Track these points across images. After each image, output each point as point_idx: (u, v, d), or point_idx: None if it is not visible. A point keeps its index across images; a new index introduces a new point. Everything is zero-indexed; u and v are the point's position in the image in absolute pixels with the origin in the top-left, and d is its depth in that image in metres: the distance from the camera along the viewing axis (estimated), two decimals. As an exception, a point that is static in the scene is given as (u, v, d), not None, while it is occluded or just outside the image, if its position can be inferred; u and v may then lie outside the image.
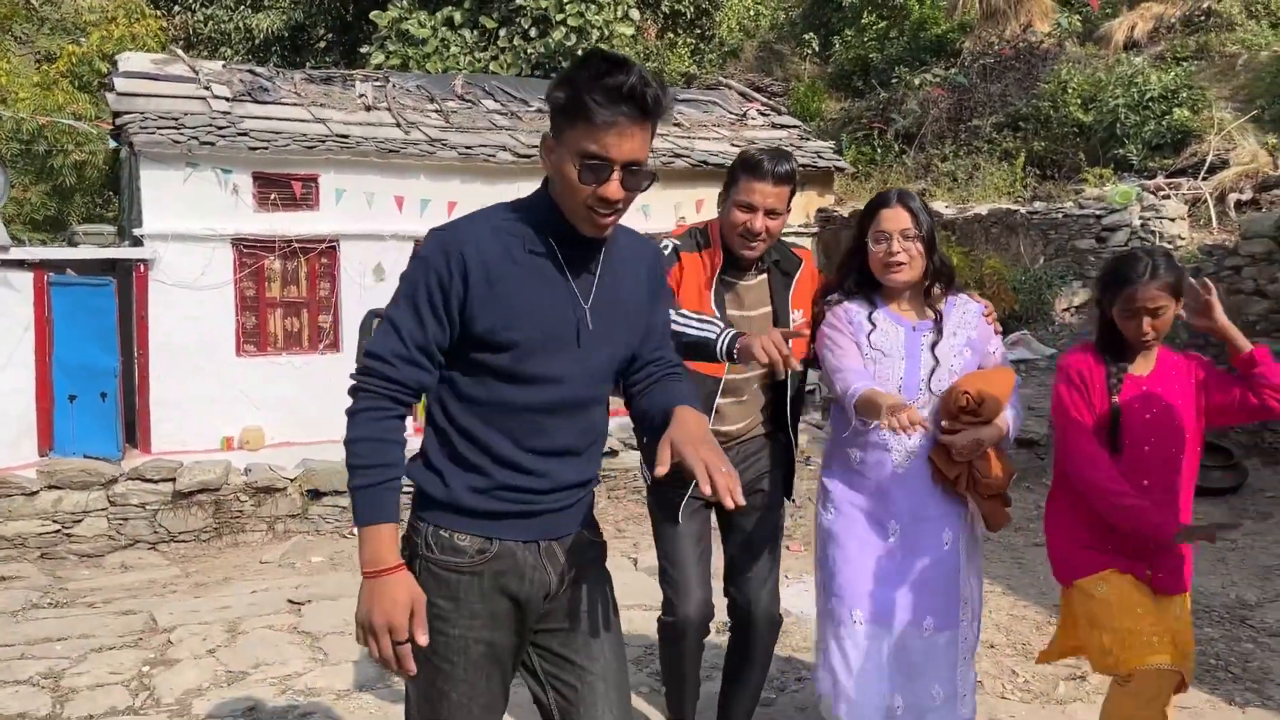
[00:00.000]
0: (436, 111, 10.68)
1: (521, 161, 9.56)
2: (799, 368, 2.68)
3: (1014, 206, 11.28)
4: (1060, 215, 10.46)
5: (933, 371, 2.72)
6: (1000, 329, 2.92)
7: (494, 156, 9.63)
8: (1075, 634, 2.78)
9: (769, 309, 2.91)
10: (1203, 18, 14.88)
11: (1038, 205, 11.21)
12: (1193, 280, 2.65)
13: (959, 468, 2.69)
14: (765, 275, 2.92)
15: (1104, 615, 2.64)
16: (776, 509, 3.06)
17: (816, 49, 19.16)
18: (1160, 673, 2.55)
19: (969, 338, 2.78)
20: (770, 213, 2.76)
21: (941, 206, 11.93)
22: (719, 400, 2.87)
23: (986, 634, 4.41)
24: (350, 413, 1.89)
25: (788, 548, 5.84)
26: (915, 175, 14.67)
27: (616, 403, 2.16)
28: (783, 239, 2.98)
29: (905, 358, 2.73)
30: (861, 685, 2.74)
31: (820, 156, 11.95)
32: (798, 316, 2.91)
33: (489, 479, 1.93)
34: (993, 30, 15.85)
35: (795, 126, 12.87)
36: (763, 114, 12.90)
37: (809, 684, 3.91)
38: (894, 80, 16.34)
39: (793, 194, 2.83)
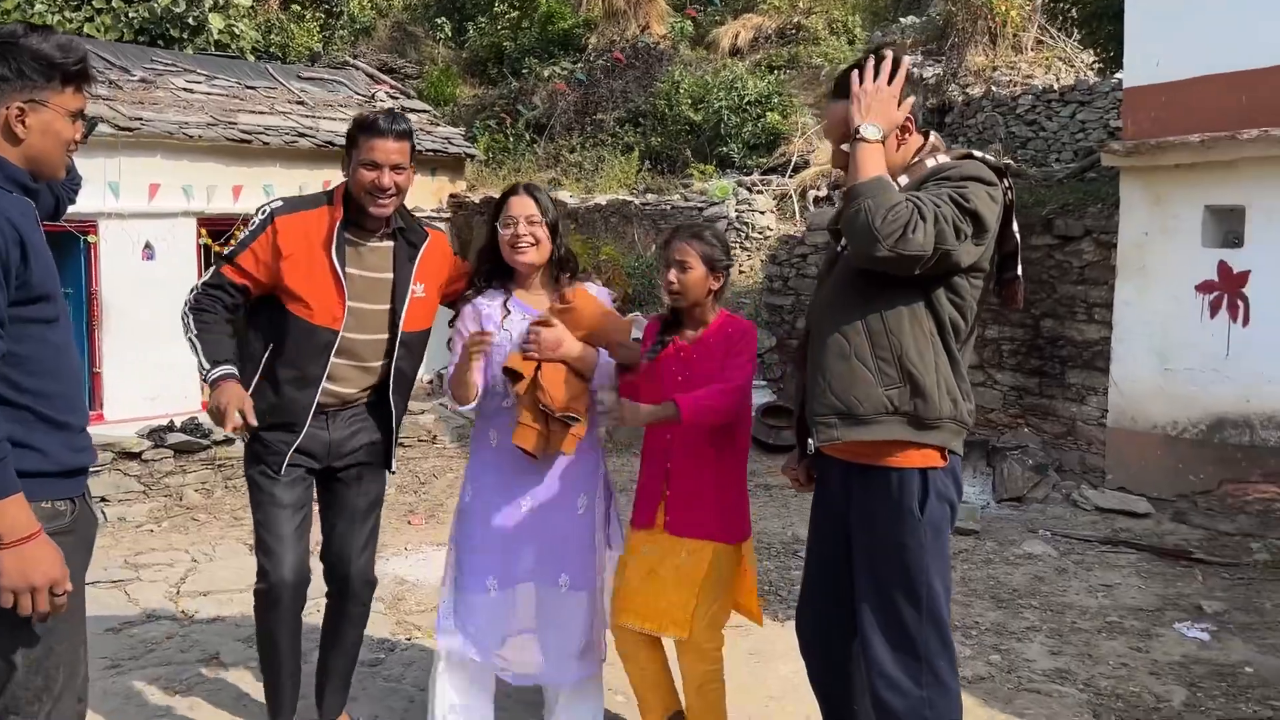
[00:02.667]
0: (20, 75, 9.64)
1: (123, 135, 8.90)
2: (245, 436, 2.86)
3: (630, 198, 12.11)
4: (669, 207, 11.40)
5: None
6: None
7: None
8: None
9: (390, 275, 3.02)
10: (794, 31, 16.69)
11: (650, 197, 12.12)
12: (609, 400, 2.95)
13: (525, 366, 2.84)
14: (392, 243, 3.03)
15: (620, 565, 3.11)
16: (377, 479, 3.19)
17: (450, 34, 19.27)
18: (625, 630, 3.03)
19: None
20: (396, 168, 2.91)
21: (567, 196, 12.56)
22: (334, 360, 2.95)
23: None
24: None
25: (409, 521, 6.04)
26: (545, 165, 15.27)
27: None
28: (412, 212, 3.14)
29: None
30: (481, 641, 2.97)
31: (450, 143, 12.14)
32: (419, 289, 3.04)
33: (75, 430, 2.10)
34: (614, 29, 16.81)
35: (425, 111, 12.96)
36: (392, 96, 12.87)
37: (417, 643, 4.14)
38: (525, 71, 16.86)
39: (414, 152, 2.98)
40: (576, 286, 2.99)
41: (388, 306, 3.01)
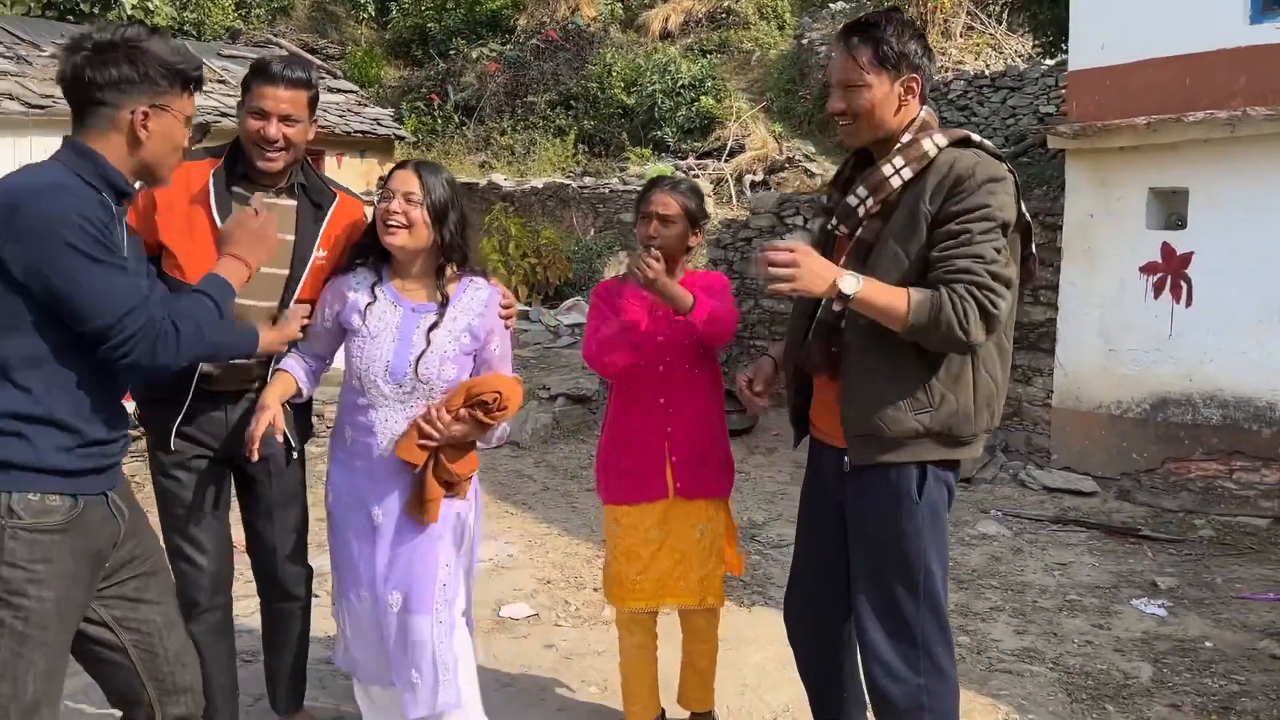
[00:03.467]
0: (-81, 48, 9.08)
1: (34, 113, 8.44)
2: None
3: (567, 181, 11.97)
4: (607, 190, 11.29)
5: (421, 355, 2.63)
6: (513, 324, 2.84)
7: (-1, 105, 8.40)
8: None
9: (291, 237, 2.77)
10: (724, 15, 16.63)
11: (588, 180, 11.99)
12: (640, 251, 2.78)
13: (418, 455, 2.61)
14: (294, 201, 2.79)
15: (609, 550, 3.03)
16: (290, 468, 2.92)
17: (373, 13, 18.81)
18: (636, 615, 2.98)
19: (469, 324, 2.69)
20: (286, 119, 2.67)
21: (502, 179, 12.37)
22: None
23: (544, 571, 4.75)
24: None
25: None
26: (476, 147, 15.01)
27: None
28: (318, 172, 2.90)
29: (397, 340, 2.64)
30: (360, 650, 2.78)
31: (379, 124, 11.80)
32: (321, 255, 2.79)
33: (78, 435, 2.01)
34: (544, 10, 16.57)
35: (353, 92, 12.58)
36: (318, 76, 12.48)
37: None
38: (452, 52, 16.54)
39: (314, 102, 2.74)
40: (509, 394, 2.63)
41: (285, 271, 2.75)
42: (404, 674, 2.68)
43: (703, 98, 13.62)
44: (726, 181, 12.10)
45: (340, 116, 11.38)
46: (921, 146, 2.30)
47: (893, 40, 2.28)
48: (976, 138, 2.34)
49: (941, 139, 2.32)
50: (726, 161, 12.58)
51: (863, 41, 2.30)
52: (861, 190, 2.33)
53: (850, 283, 2.15)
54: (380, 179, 2.78)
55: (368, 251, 2.73)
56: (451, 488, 2.68)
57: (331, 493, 2.79)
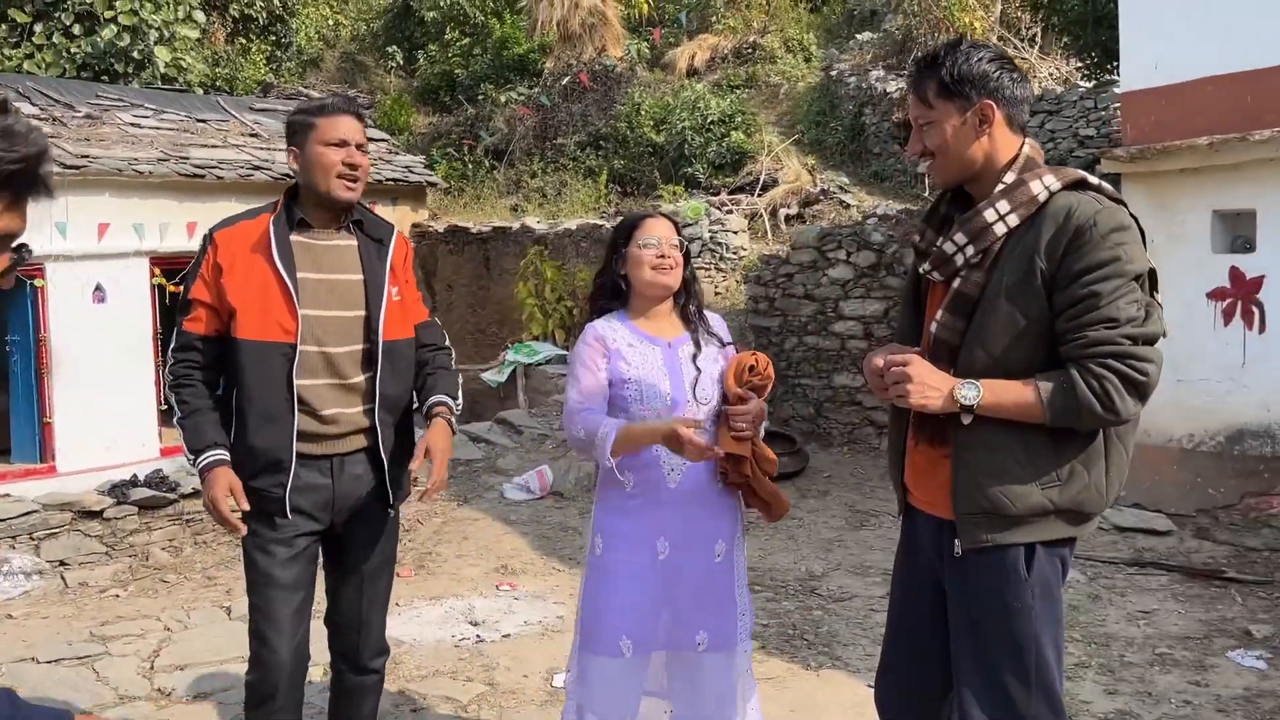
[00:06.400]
0: (-44, 113, 9.14)
1: (69, 173, 8.45)
2: (241, 531, 2.64)
3: (600, 221, 11.84)
4: (641, 229, 11.15)
5: (696, 381, 2.69)
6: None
7: (34, 167, 8.42)
8: None
9: (359, 276, 2.69)
10: (750, 50, 16.60)
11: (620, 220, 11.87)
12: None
13: (746, 446, 2.65)
14: (354, 240, 2.72)
15: None
16: (390, 534, 2.83)
17: (401, 62, 18.95)
18: None
19: (721, 340, 2.81)
20: (360, 147, 2.65)
21: (534, 222, 12.26)
22: (299, 381, 2.59)
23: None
24: None
25: (398, 574, 5.65)
26: (506, 191, 14.97)
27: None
28: (367, 206, 2.82)
29: (668, 374, 2.68)
30: (614, 712, 2.63)
31: (411, 171, 11.82)
32: (394, 293, 2.72)
33: None
34: (570, 53, 16.59)
35: (383, 140, 12.61)
36: (349, 126, 12.50)
37: (425, 711, 3.78)
38: (480, 97, 16.58)
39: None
40: (755, 354, 2.75)
41: (362, 313, 2.68)
42: (700, 708, 2.72)
43: (733, 133, 13.51)
44: (761, 216, 11.94)
45: (372, 164, 11.36)
46: (1029, 190, 2.07)
47: (957, 67, 2.10)
48: (1094, 179, 2.11)
49: (1053, 181, 2.07)
50: (760, 196, 12.43)
51: (927, 75, 2.14)
52: (960, 236, 2.10)
53: (969, 393, 2.01)
54: (624, 230, 2.76)
55: (612, 298, 2.79)
56: (771, 479, 2.73)
57: (604, 542, 2.69)
